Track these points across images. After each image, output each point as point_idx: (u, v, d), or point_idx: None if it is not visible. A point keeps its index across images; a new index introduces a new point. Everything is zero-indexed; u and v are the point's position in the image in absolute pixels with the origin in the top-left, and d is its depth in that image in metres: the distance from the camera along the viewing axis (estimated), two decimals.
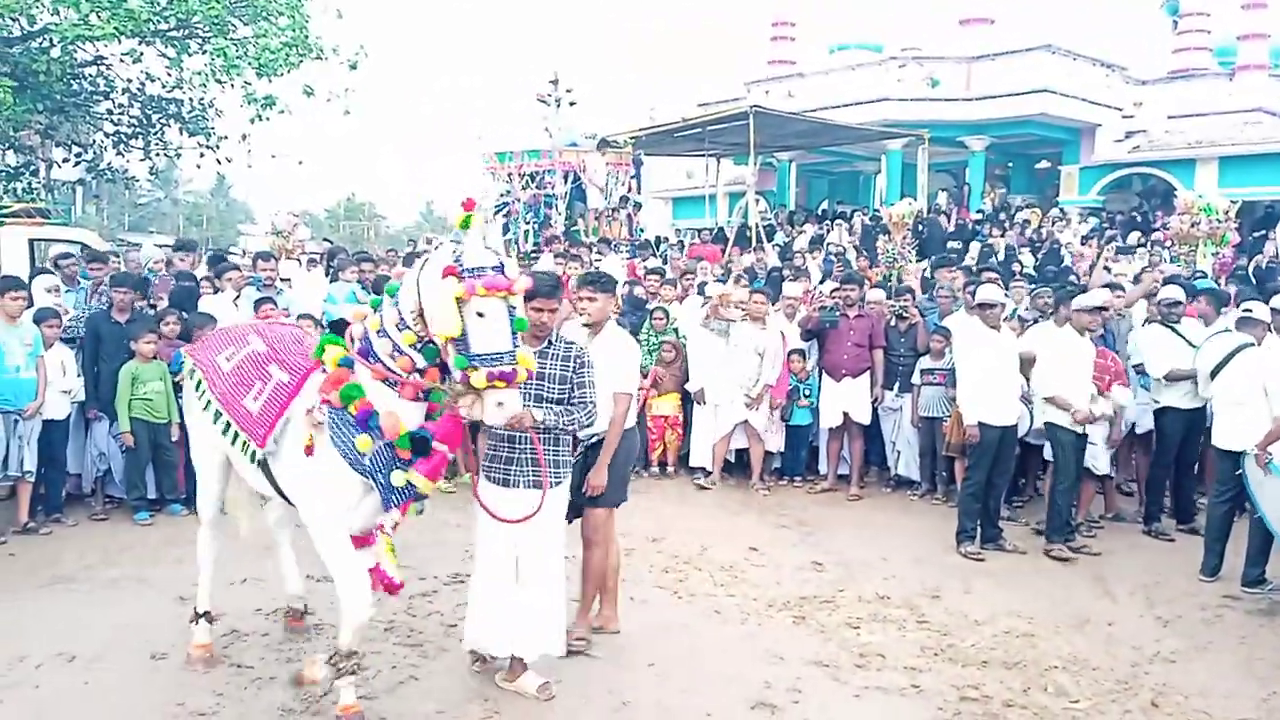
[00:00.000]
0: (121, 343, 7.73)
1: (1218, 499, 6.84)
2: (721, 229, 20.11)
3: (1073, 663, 5.26)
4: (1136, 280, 10.10)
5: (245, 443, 4.42)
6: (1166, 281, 8.92)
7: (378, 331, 4.10)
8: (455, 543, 6.74)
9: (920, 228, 18.17)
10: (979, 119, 24.05)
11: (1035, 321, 8.33)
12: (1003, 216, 21.79)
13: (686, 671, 5.02)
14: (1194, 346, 7.53)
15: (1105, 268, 12.13)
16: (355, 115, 18.56)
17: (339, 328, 4.37)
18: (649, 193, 26.48)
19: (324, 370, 4.23)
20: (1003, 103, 23.79)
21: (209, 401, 4.59)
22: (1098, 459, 7.78)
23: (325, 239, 21.46)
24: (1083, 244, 16.95)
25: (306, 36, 16.85)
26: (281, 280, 9.83)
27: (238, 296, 8.90)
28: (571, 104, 17.97)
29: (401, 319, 4.02)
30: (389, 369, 4.09)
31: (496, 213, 16.59)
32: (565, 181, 16.20)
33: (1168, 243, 14.80)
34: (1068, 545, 7.19)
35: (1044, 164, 27.92)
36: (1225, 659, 5.43)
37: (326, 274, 10.80)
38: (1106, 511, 8.13)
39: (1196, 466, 8.15)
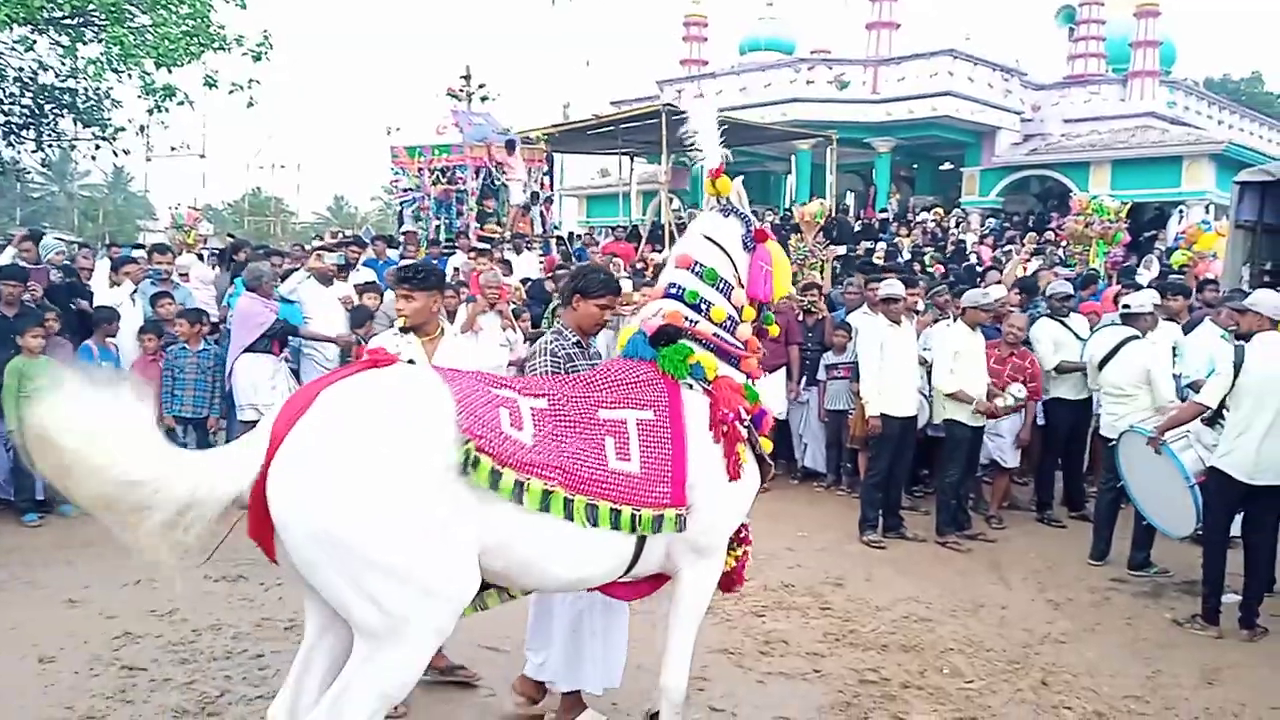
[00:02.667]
0: (7, 338, 7.43)
1: (1105, 486, 7.13)
2: (635, 227, 20.20)
3: (968, 645, 5.43)
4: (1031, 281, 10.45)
5: (632, 519, 3.35)
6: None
7: (725, 322, 3.81)
8: None
9: (831, 228, 18.54)
10: (885, 121, 24.64)
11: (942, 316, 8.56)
12: (909, 216, 22.37)
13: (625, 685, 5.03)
14: (1082, 340, 7.85)
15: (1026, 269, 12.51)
16: (260, 107, 18.16)
17: (660, 338, 3.69)
18: (562, 190, 26.46)
19: (691, 385, 3.64)
20: (907, 105, 24.44)
21: (517, 485, 3.10)
22: (1005, 453, 8.04)
23: (229, 234, 20.93)
24: (980, 243, 17.50)
25: (208, 25, 16.40)
26: (179, 275, 9.57)
27: (134, 291, 8.64)
28: (484, 99, 17.86)
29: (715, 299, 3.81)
30: (738, 350, 3.84)
31: (405, 208, 16.39)
32: (476, 177, 16.07)
33: (1063, 242, 15.38)
34: (963, 533, 7.42)
35: (946, 165, 28.70)
36: (1112, 639, 5.65)
37: (227, 269, 10.54)
38: (1003, 500, 8.41)
39: (1086, 456, 8.48)
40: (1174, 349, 7.58)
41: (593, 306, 4.10)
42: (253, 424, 7.82)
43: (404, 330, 4.42)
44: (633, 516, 3.34)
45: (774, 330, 4.13)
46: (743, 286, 3.89)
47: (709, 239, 3.92)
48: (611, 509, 3.30)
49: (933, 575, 6.70)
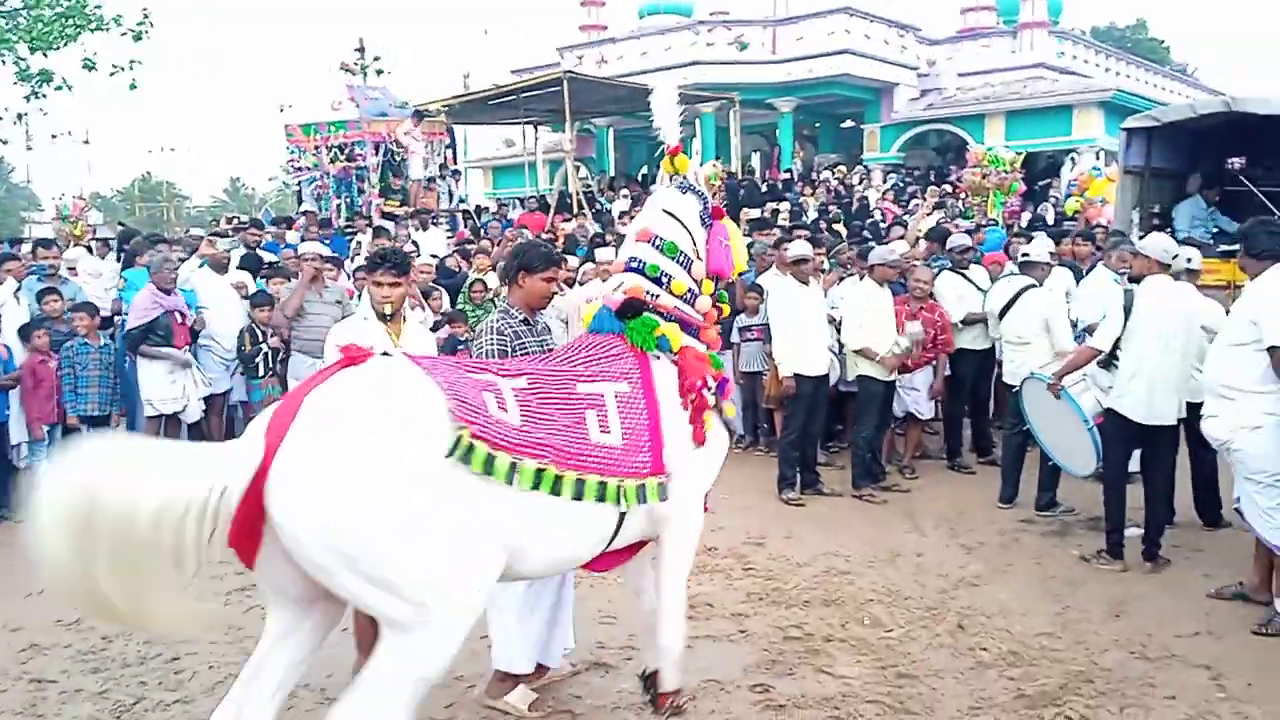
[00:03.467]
0: None
1: (1010, 431, 7.35)
2: (544, 197, 20.03)
3: (886, 595, 5.56)
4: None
5: (617, 490, 3.40)
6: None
7: (685, 294, 3.93)
8: None
9: (739, 190, 18.67)
10: (785, 81, 24.78)
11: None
12: (813, 175, 22.59)
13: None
14: (983, 291, 8.05)
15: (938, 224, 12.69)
16: (145, 89, 17.44)
17: (626, 311, 3.77)
18: (467, 162, 26.07)
19: (658, 356, 3.77)
20: (807, 65, 24.61)
21: (511, 466, 3.11)
22: (920, 405, 8.23)
23: (120, 222, 20.14)
24: (883, 199, 17.78)
25: (84, 6, 15.70)
26: (67, 269, 9.17)
27: (18, 289, 8.24)
28: (379, 72, 17.48)
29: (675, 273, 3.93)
30: (698, 322, 3.98)
31: (304, 187, 15.98)
32: (377, 153, 15.72)
33: (962, 194, 15.72)
34: (878, 485, 7.59)
35: (848, 123, 29.05)
36: (1022, 579, 5.85)
37: (119, 259, 10.14)
38: (915, 451, 8.60)
39: (992, 403, 8.73)
40: (1066, 294, 7.82)
41: (538, 281, 4.11)
42: (156, 419, 7.73)
43: (385, 317, 4.41)
44: (618, 488, 3.40)
45: (726, 309, 4.27)
46: (701, 260, 4.01)
47: (668, 213, 4.02)
48: (599, 482, 3.35)
49: (851, 529, 6.84)
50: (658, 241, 3.94)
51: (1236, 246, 5.35)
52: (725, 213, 4.21)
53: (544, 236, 12.84)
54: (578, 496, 3.28)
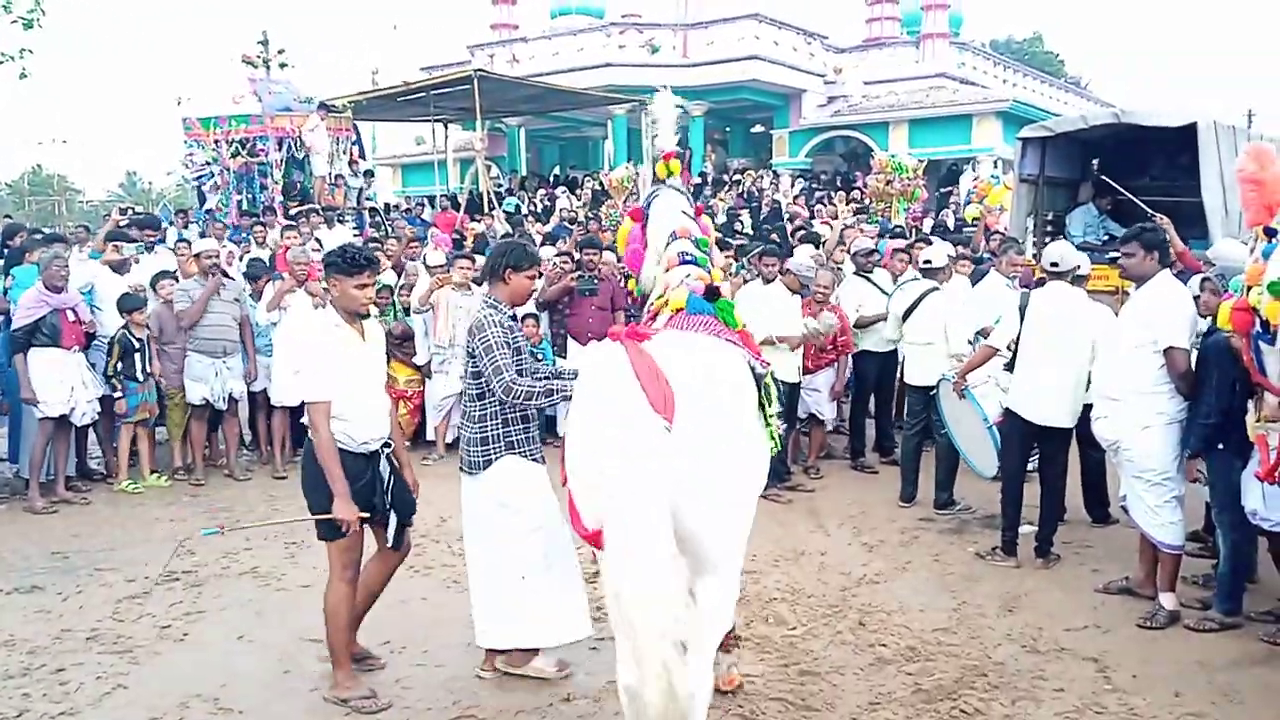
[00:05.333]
0: None
1: (909, 431, 7.53)
2: (455, 196, 19.79)
3: (790, 593, 5.65)
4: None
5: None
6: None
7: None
8: (167, 538, 6.31)
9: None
10: (697, 85, 24.97)
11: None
12: (725, 179, 22.80)
13: (426, 643, 4.97)
14: (885, 294, 8.23)
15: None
16: (36, 79, 16.69)
17: (711, 295, 4.05)
18: (376, 160, 25.63)
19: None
20: (717, 69, 24.87)
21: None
22: (823, 406, 8.35)
23: (6, 215, 19.28)
24: (793, 203, 18.04)
25: None
26: None
27: None
28: (283, 65, 17.01)
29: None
30: None
31: (203, 182, 15.48)
32: (280, 149, 15.32)
33: (868, 200, 16.03)
34: (783, 485, 7.69)
35: (758, 128, 29.42)
36: (922, 576, 6.00)
37: (1, 255, 9.67)
38: (819, 451, 8.74)
39: (894, 403, 8.92)
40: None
41: (523, 279, 4.47)
42: (50, 420, 7.39)
43: (364, 318, 4.42)
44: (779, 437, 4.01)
45: None
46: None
47: (685, 213, 4.50)
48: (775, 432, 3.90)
49: (758, 528, 6.77)
50: (694, 238, 4.38)
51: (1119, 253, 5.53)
52: (704, 211, 4.70)
53: (454, 236, 12.70)
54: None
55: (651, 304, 4.27)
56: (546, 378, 4.46)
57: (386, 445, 4.48)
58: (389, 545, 4.58)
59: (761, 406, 3.75)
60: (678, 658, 2.85)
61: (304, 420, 4.35)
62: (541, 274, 4.64)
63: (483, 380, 4.34)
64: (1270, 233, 4.71)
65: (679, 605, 2.97)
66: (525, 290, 4.56)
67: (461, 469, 4.51)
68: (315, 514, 4.27)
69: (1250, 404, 4.73)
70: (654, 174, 4.87)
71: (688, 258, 4.26)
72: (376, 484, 4.39)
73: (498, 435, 4.39)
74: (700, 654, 3.15)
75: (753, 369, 3.72)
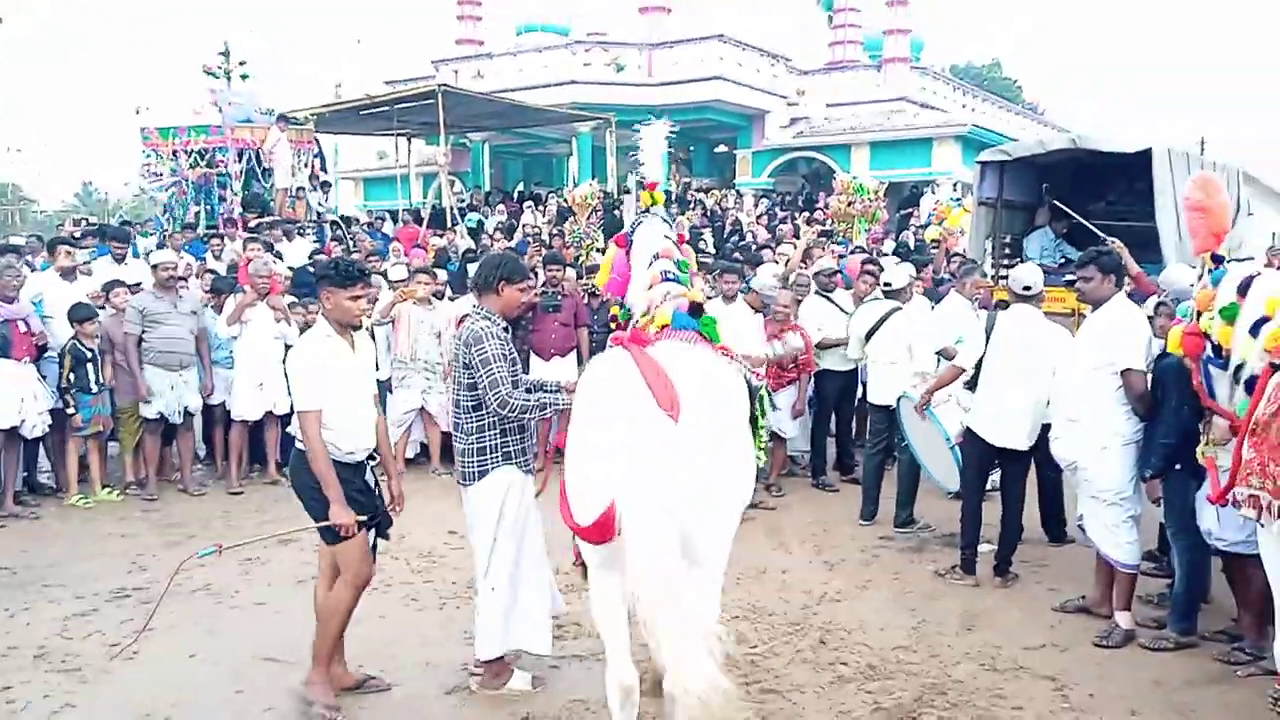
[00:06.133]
0: None
1: (871, 450, 7.57)
2: (417, 210, 19.69)
3: (752, 611, 5.64)
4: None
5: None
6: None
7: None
8: (118, 554, 6.19)
9: (616, 209, 18.76)
10: (661, 104, 25.01)
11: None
12: (688, 197, 22.90)
13: (383, 661, 4.90)
14: (846, 314, 8.28)
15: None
16: None
17: (695, 311, 4.24)
18: (338, 173, 25.46)
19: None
20: (681, 89, 25.02)
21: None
22: (784, 424, 8.37)
23: None
24: (755, 222, 18.16)
25: None
26: None
27: None
28: (244, 77, 16.87)
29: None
30: None
31: (161, 193, 15.27)
32: (240, 160, 15.17)
33: (829, 221, 16.17)
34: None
35: (722, 148, 29.62)
36: (882, 594, 6.02)
37: None
38: (781, 468, 8.76)
39: (854, 422, 8.97)
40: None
41: (515, 291, 4.57)
42: None
43: (355, 328, 4.49)
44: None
45: None
46: None
47: (667, 238, 4.68)
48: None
49: None
50: (676, 259, 4.54)
51: (1076, 276, 5.61)
52: (685, 239, 4.99)
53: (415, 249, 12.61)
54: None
55: (637, 321, 4.34)
56: (529, 389, 4.52)
57: (372, 457, 4.53)
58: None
59: (755, 419, 3.93)
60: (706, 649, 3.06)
61: (290, 430, 4.40)
62: (528, 288, 4.72)
63: (478, 392, 4.37)
64: (1217, 259, 4.82)
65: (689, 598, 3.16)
66: (517, 302, 4.64)
67: (458, 481, 4.56)
68: (315, 521, 4.33)
69: (1200, 427, 4.81)
70: (638, 202, 5.12)
71: (669, 276, 4.40)
72: (369, 488, 4.49)
73: (495, 445, 4.45)
74: (695, 646, 3.22)
75: (748, 382, 3.91)
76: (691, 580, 3.38)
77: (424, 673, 4.80)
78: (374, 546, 4.61)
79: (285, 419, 8.64)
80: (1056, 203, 9.92)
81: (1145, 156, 8.90)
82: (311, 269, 10.19)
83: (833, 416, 8.84)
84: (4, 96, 60.71)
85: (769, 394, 4.11)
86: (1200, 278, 4.94)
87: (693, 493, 3.32)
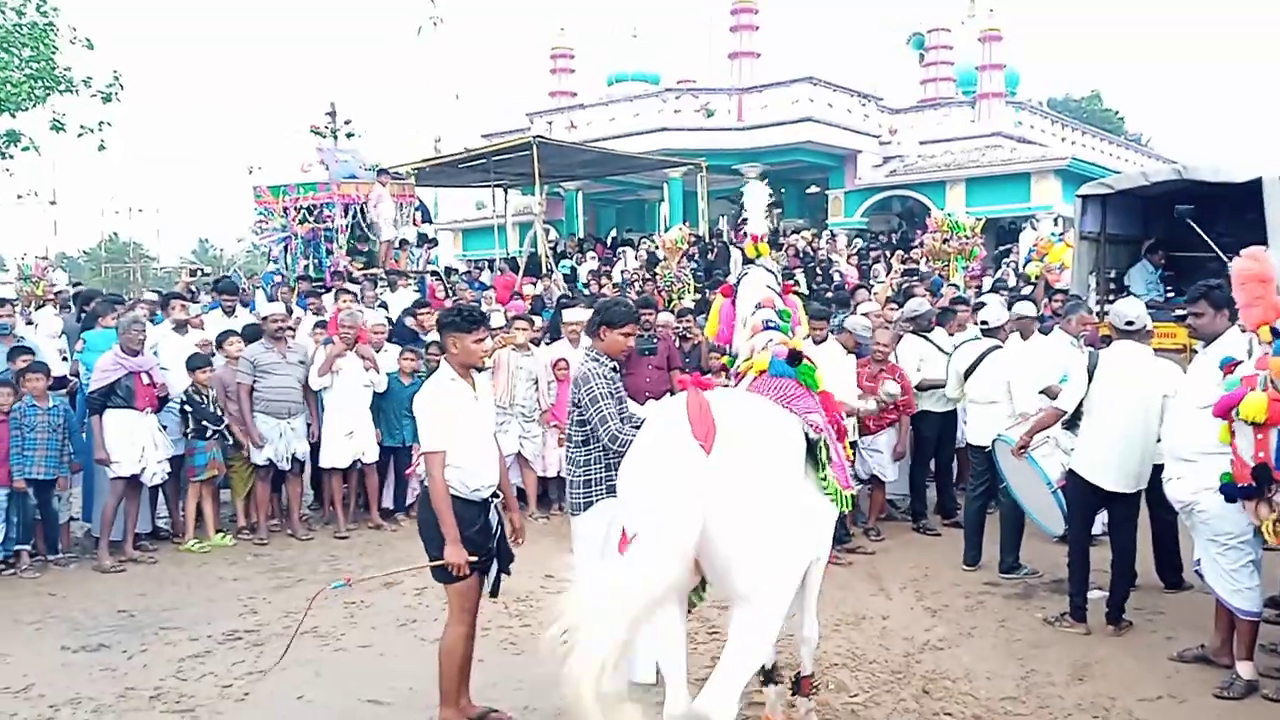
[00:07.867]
0: None
1: (973, 493, 7.39)
2: (513, 259, 20.11)
3: (851, 658, 5.54)
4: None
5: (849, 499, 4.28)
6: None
7: None
8: (230, 597, 6.39)
9: (710, 252, 18.91)
10: (751, 147, 25.22)
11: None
12: (780, 239, 22.87)
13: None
14: (945, 353, 8.14)
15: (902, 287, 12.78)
16: (113, 149, 17.45)
17: (794, 359, 4.32)
18: (438, 224, 26.19)
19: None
20: (771, 131, 25.07)
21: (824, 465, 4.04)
22: (885, 467, 8.25)
23: (77, 282, 20.00)
24: (847, 261, 18.03)
25: (54, 68, 15.75)
26: (27, 325, 9.07)
27: None
28: (350, 135, 17.53)
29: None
30: None
31: (271, 248, 15.91)
32: (345, 214, 15.73)
33: (924, 259, 15.96)
34: (843, 548, 7.56)
35: (814, 189, 29.54)
36: (987, 642, 5.84)
37: (79, 319, 10.02)
38: (880, 512, 8.62)
39: (954, 464, 8.77)
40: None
41: (618, 335, 4.79)
42: (122, 480, 7.56)
43: (479, 370, 4.83)
44: (850, 498, 4.21)
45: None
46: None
47: (770, 288, 4.85)
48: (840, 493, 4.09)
49: None
50: (777, 307, 4.71)
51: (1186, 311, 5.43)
52: (792, 289, 5.29)
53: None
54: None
55: (738, 368, 4.57)
56: (638, 425, 4.62)
57: (495, 495, 4.72)
58: (488, 593, 4.77)
59: (820, 467, 3.91)
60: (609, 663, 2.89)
61: (411, 471, 4.71)
62: (632, 331, 4.92)
63: (588, 428, 4.63)
64: (1276, 333, 4.60)
65: (639, 616, 3.01)
66: (621, 346, 4.84)
67: (568, 512, 4.82)
68: (431, 559, 4.51)
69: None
70: (744, 254, 5.44)
71: (770, 324, 4.59)
72: (487, 530, 4.65)
73: (600, 479, 4.67)
74: (726, 680, 3.35)
75: (805, 434, 3.89)
76: (734, 619, 3.47)
77: (523, 717, 4.83)
78: (497, 580, 4.76)
79: (382, 464, 8.87)
80: (1190, 222, 9.53)
81: (1255, 186, 8.57)
82: (406, 320, 10.51)
83: (932, 459, 8.69)
84: (127, 160, 64.31)
85: (827, 446, 4.01)
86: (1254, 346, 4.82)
87: (723, 521, 3.28)
